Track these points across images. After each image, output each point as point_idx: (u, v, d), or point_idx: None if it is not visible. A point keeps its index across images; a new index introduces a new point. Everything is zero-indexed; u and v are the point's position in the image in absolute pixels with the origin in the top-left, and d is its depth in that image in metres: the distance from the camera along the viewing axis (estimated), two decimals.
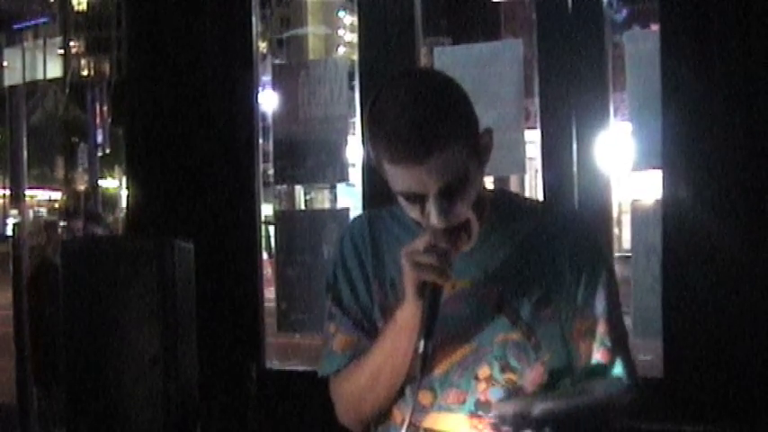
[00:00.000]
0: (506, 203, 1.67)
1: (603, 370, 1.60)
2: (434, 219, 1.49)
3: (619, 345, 1.61)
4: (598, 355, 1.60)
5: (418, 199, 1.50)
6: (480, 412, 1.56)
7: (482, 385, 1.57)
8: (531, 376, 1.58)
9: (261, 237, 3.90)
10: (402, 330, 1.55)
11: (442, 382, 1.58)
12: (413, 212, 1.54)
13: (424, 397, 1.58)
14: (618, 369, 1.60)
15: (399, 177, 1.48)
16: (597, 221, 3.15)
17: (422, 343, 1.49)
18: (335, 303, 1.68)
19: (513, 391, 1.57)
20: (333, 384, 1.68)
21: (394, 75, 1.54)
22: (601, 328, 1.60)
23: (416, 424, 1.58)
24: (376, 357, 1.60)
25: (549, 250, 1.61)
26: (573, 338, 1.61)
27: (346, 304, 1.67)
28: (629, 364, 1.62)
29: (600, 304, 1.60)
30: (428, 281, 1.50)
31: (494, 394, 1.57)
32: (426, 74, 1.65)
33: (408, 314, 1.53)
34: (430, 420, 1.59)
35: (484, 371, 1.57)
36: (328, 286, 1.70)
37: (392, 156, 1.46)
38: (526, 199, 1.80)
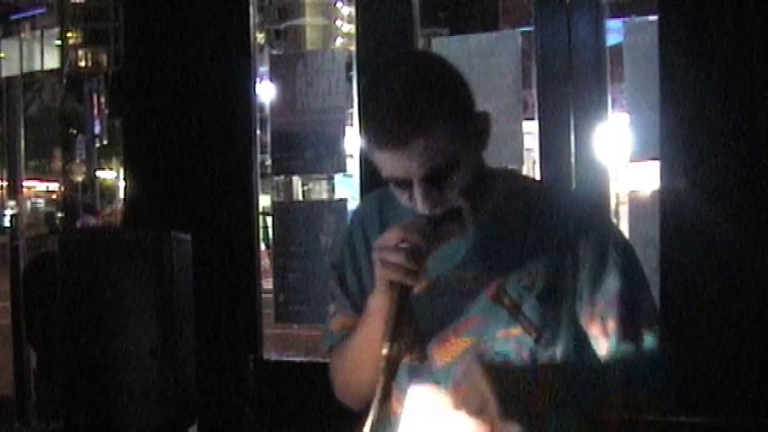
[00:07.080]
0: (511, 189, 1.60)
1: (618, 358, 1.52)
2: (420, 205, 1.45)
3: (634, 330, 1.53)
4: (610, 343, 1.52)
5: (405, 185, 1.46)
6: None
7: None
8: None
9: (258, 228, 3.90)
10: (373, 317, 1.52)
11: (446, 375, 1.53)
12: (402, 199, 1.49)
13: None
14: (634, 355, 1.53)
15: (385, 163, 1.45)
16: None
17: (387, 345, 1.43)
18: (338, 284, 1.67)
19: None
20: (330, 361, 1.69)
21: (385, 59, 1.50)
22: (612, 314, 1.52)
23: None
24: (356, 341, 1.59)
25: (551, 239, 1.54)
26: (584, 328, 1.54)
27: (348, 286, 1.66)
28: (648, 349, 1.55)
29: (609, 289, 1.52)
30: (395, 280, 1.45)
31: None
32: (416, 55, 1.61)
33: (378, 303, 1.50)
34: None
35: None
36: (334, 265, 1.69)
37: (377, 141, 1.43)
38: (533, 182, 1.74)
